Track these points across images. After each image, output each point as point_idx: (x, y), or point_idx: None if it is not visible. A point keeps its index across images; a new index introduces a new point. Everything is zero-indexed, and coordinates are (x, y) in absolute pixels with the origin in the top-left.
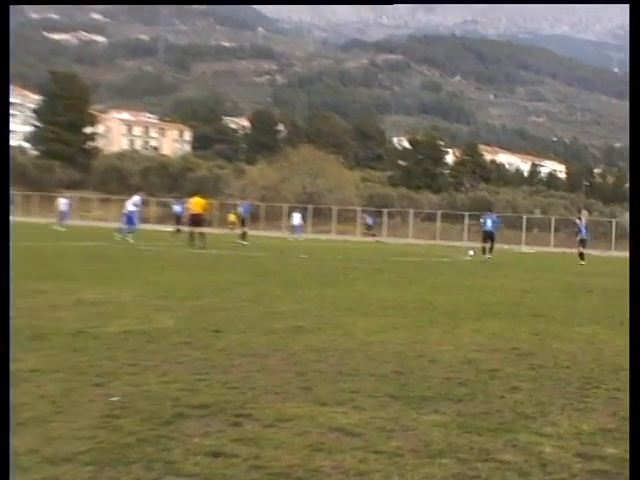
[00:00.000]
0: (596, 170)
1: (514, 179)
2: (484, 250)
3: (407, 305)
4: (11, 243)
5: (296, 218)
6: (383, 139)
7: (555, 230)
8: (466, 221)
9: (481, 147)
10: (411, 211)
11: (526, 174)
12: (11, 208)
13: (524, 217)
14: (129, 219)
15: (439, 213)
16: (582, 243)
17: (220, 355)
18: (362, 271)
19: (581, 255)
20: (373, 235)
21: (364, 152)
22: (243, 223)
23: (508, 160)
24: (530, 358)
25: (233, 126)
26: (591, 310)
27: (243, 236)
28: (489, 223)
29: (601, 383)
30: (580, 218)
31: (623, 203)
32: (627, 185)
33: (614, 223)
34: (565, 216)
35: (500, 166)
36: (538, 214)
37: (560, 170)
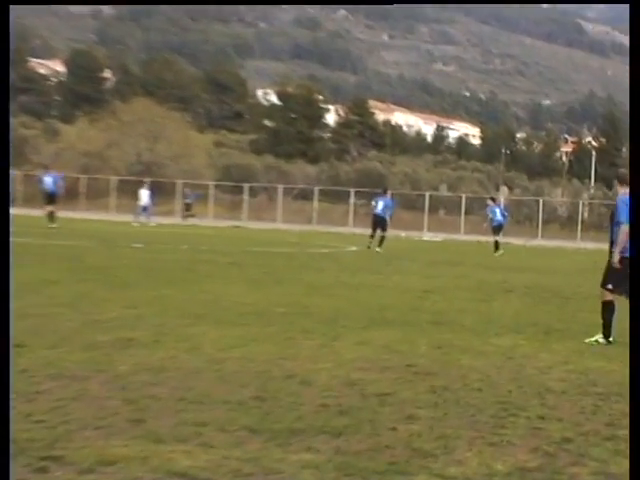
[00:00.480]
0: (519, 135)
1: (414, 146)
2: (371, 239)
3: (273, 310)
4: (11, 243)
5: (144, 196)
6: (244, 91)
7: (466, 212)
8: (352, 200)
9: (372, 103)
10: (280, 187)
11: (430, 139)
12: None
13: (427, 195)
14: None
15: (317, 189)
16: (497, 230)
17: (22, 378)
18: (215, 265)
19: (496, 245)
20: (192, 216)
21: (219, 108)
22: (51, 200)
23: (407, 121)
24: (431, 378)
25: (43, 71)
26: (511, 316)
27: (51, 217)
28: (380, 206)
29: (521, 410)
30: (493, 199)
31: (552, 178)
32: (558, 154)
33: (541, 203)
34: (479, 194)
35: (396, 129)
36: (445, 191)
37: (473, 134)
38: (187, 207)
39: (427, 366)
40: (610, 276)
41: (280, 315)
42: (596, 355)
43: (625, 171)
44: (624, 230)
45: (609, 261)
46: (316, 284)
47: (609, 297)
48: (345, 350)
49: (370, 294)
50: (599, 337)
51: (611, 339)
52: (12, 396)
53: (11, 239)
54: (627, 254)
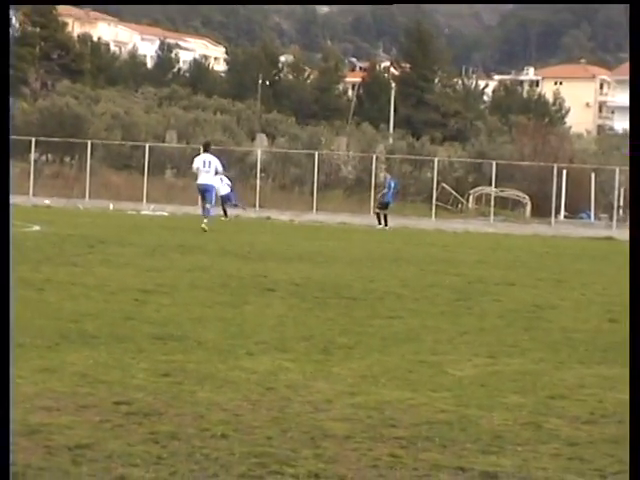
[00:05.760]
0: (284, 57)
1: (127, 73)
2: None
3: None
4: (11, 241)
5: None
6: None
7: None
8: (32, 155)
9: (62, 9)
10: None
11: (151, 63)
12: None
13: (146, 147)
14: None
15: None
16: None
17: None
18: None
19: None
20: None
21: None
22: None
23: (116, 35)
24: (153, 421)
25: None
26: (272, 326)
27: None
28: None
29: (286, 464)
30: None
31: (333, 121)
32: (342, 87)
33: (317, 159)
34: (224, 145)
35: (100, 47)
36: (174, 142)
37: (216, 57)
38: None
39: (147, 403)
40: None
41: None
42: (395, 382)
43: None
44: None
45: None
46: None
47: None
48: (22, 381)
49: (60, 296)
50: None
51: None
52: (12, 395)
53: (11, 238)
54: None
